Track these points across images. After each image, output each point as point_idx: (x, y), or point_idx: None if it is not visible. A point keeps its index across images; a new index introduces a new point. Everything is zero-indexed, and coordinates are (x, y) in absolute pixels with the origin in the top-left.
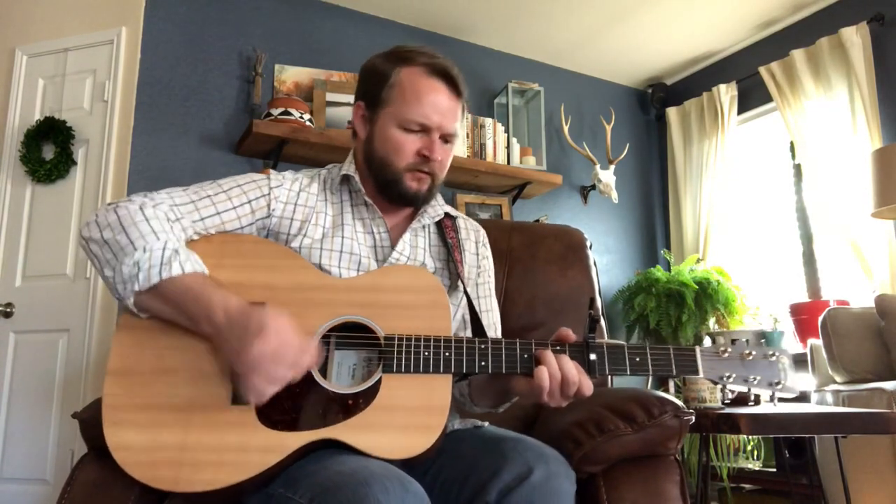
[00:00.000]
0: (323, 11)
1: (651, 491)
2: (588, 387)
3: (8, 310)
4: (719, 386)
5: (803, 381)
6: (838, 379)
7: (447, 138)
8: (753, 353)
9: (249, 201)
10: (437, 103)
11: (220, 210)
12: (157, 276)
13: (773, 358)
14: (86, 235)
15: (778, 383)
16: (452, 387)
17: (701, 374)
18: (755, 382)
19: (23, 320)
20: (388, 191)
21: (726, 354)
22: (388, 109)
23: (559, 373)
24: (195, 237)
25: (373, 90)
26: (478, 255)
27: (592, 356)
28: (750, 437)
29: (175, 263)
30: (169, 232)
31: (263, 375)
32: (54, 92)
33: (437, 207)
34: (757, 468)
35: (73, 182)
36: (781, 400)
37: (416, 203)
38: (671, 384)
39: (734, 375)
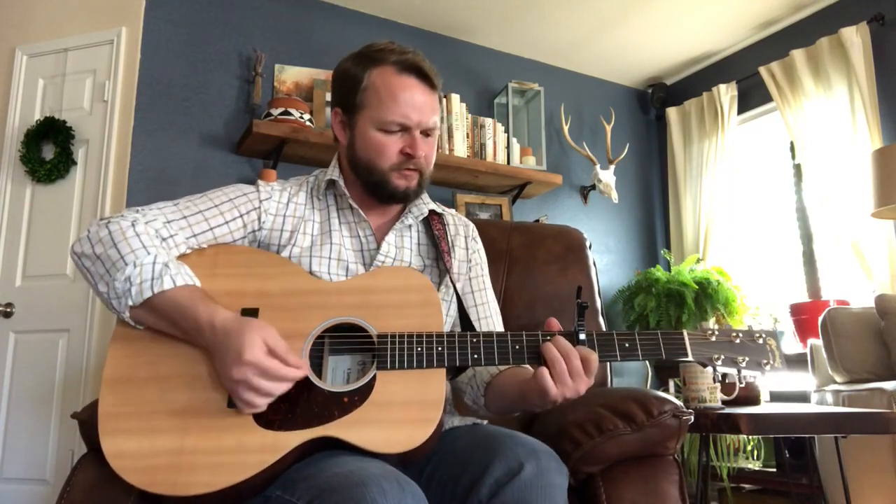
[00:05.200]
0: (323, 11)
1: (650, 491)
2: (590, 352)
3: (8, 310)
4: (715, 376)
5: (800, 378)
6: (838, 379)
7: (428, 132)
8: (741, 335)
9: (241, 215)
10: (413, 101)
11: (213, 225)
12: (148, 290)
13: (761, 339)
14: (78, 251)
15: (766, 363)
16: (465, 395)
17: (690, 357)
18: (744, 363)
19: (23, 320)
20: (377, 192)
21: (714, 338)
22: (364, 113)
23: (558, 354)
24: (188, 252)
25: (347, 95)
26: (468, 249)
27: (582, 339)
28: (750, 437)
29: (166, 277)
30: (159, 247)
31: (252, 391)
32: (54, 92)
33: (422, 206)
34: (757, 468)
35: (73, 182)
36: (778, 397)
37: (406, 200)
38: (671, 384)
39: (723, 357)
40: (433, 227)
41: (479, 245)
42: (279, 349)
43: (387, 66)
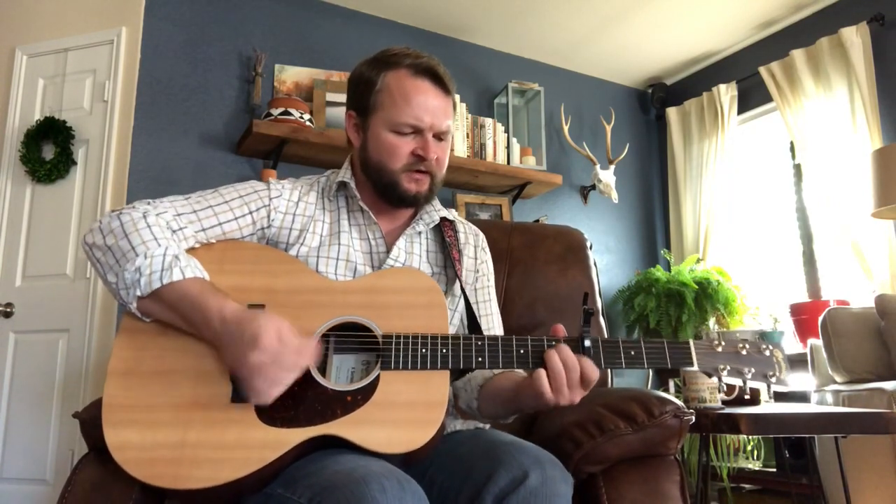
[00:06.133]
0: (323, 11)
1: (651, 491)
2: (593, 369)
3: (8, 310)
4: (720, 386)
5: (800, 378)
6: (838, 379)
7: (440, 136)
8: (747, 346)
9: (251, 212)
10: (427, 103)
11: (222, 220)
12: (157, 281)
13: (767, 351)
14: (89, 241)
15: (772, 375)
16: (460, 399)
17: (695, 367)
18: (749, 375)
19: (23, 320)
20: (388, 194)
21: (720, 348)
22: (378, 115)
23: (560, 365)
24: (197, 245)
25: (361, 98)
26: (476, 259)
27: (587, 346)
28: (750, 437)
29: (175, 269)
30: (170, 239)
31: (264, 380)
32: (54, 92)
33: (434, 213)
34: (757, 468)
35: (73, 182)
36: (778, 397)
37: (416, 204)
38: (671, 384)
39: (728, 367)
40: (445, 234)
41: (488, 256)
42: (291, 339)
43: (401, 69)
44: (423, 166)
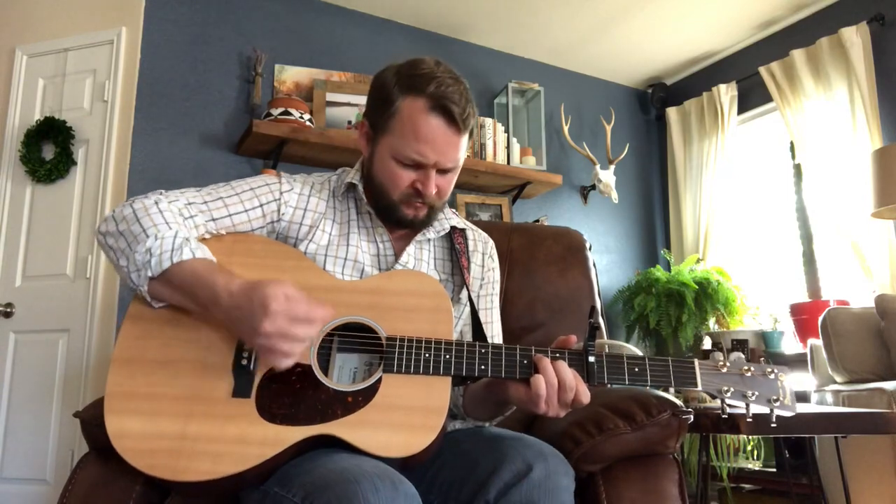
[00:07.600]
0: (323, 11)
1: (650, 490)
2: (585, 394)
3: (8, 310)
4: (722, 407)
5: (800, 378)
6: (838, 379)
7: (446, 171)
8: (753, 368)
9: (261, 205)
10: (436, 141)
11: (232, 213)
12: (168, 260)
13: (772, 375)
14: (102, 230)
15: (776, 400)
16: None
17: (699, 388)
18: (753, 398)
19: (23, 320)
20: (385, 215)
21: (725, 369)
22: (387, 138)
23: (556, 380)
24: (207, 236)
25: (376, 113)
26: (483, 266)
27: (591, 361)
28: (750, 437)
29: (186, 249)
30: (181, 224)
31: (287, 339)
32: (54, 92)
33: (444, 221)
34: (757, 468)
35: (73, 182)
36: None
37: (413, 227)
38: None
39: (732, 390)
40: (455, 241)
41: (496, 264)
42: (300, 297)
43: (420, 98)
44: (419, 200)
